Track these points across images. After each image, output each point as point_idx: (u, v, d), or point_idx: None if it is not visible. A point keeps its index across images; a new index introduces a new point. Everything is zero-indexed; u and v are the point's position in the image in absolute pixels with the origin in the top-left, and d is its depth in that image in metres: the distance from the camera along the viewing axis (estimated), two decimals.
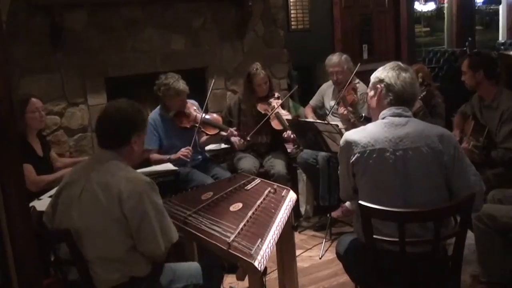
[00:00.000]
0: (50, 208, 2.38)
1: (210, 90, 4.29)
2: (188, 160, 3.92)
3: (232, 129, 4.19)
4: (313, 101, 5.01)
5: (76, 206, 2.25)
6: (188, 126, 4.10)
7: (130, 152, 2.37)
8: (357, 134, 2.37)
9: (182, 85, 4.00)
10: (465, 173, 2.28)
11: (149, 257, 2.31)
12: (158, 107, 4.18)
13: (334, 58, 4.60)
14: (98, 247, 2.22)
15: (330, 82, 4.80)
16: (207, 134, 4.22)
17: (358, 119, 4.14)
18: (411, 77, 2.39)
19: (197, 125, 4.04)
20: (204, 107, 4.22)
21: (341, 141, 2.43)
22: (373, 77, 2.48)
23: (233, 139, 4.32)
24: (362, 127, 2.43)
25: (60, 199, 2.34)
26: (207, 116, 4.25)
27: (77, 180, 2.30)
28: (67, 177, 2.40)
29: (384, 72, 2.41)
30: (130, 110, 2.38)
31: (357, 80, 4.56)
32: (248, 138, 4.20)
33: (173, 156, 3.97)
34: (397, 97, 2.37)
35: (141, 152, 2.53)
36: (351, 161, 2.34)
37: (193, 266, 2.55)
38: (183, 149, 3.93)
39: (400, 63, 2.46)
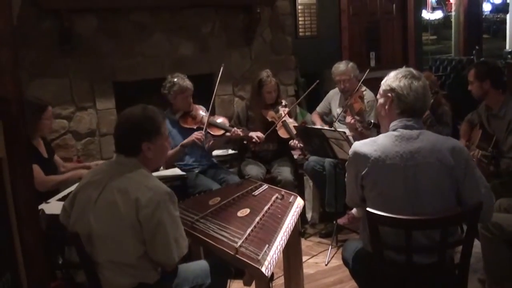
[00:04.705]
0: (69, 205, 2.38)
1: (218, 79, 4.20)
2: (201, 144, 3.94)
3: (236, 129, 4.18)
4: (320, 108, 5.01)
5: (92, 210, 2.25)
6: (194, 127, 4.12)
7: (145, 160, 2.33)
8: (368, 147, 2.29)
9: (187, 82, 4.09)
10: (476, 186, 2.25)
11: (160, 265, 2.32)
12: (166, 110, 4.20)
13: (341, 66, 4.61)
14: (111, 251, 2.22)
15: (337, 89, 4.81)
16: (212, 135, 4.22)
17: (366, 127, 4.11)
18: (424, 87, 2.30)
19: (202, 126, 4.06)
20: (209, 108, 4.22)
21: (350, 152, 2.36)
22: (384, 84, 2.38)
23: (251, 134, 4.32)
24: (372, 139, 2.35)
25: (77, 198, 2.34)
26: (215, 119, 4.26)
27: (97, 182, 2.30)
28: (87, 176, 2.39)
29: (396, 81, 2.32)
30: (140, 117, 2.33)
31: (364, 88, 4.56)
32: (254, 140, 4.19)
33: (185, 140, 3.98)
34: (409, 108, 2.29)
35: (162, 157, 2.51)
36: (361, 174, 2.29)
37: (199, 266, 2.54)
38: (196, 132, 3.96)
39: (412, 70, 2.36)
